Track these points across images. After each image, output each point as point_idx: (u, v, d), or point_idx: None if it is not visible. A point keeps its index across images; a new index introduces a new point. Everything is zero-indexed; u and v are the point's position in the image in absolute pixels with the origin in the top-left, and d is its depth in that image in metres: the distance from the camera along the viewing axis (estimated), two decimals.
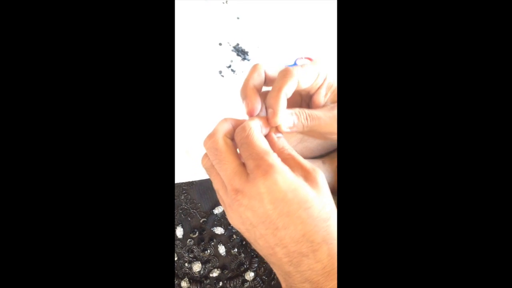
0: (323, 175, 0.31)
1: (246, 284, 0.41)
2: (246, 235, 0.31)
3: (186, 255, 0.40)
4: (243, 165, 0.31)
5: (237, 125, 0.33)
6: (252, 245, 0.32)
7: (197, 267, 0.40)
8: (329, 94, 0.36)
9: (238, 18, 0.86)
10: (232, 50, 0.79)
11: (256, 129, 0.32)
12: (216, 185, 0.32)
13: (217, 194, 0.34)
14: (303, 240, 0.28)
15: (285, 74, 0.33)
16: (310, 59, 0.82)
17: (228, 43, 0.80)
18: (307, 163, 0.31)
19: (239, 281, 0.41)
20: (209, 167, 0.33)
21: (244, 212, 0.29)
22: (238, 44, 0.80)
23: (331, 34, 0.88)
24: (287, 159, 0.31)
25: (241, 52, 0.79)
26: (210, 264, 0.41)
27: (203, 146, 0.33)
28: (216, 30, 0.81)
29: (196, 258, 0.41)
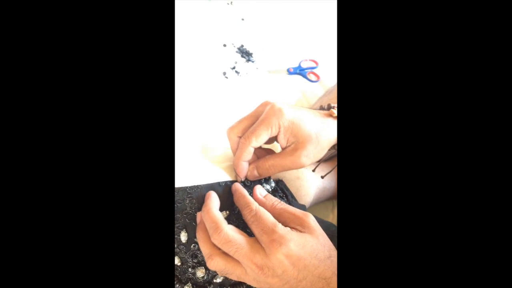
0: (313, 217, 0.36)
1: None
2: None
3: (190, 260, 0.40)
4: (254, 241, 0.35)
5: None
6: None
7: (200, 272, 0.39)
8: (288, 136, 0.41)
9: (242, 19, 0.85)
10: (237, 52, 0.78)
11: (258, 204, 0.37)
12: (237, 273, 0.35)
13: (227, 275, 0.36)
14: (319, 279, 0.34)
15: (241, 146, 0.40)
16: (314, 61, 0.81)
17: (233, 44, 0.79)
18: (298, 211, 0.37)
19: None
20: (224, 264, 0.35)
21: (271, 281, 0.34)
22: (242, 46, 0.79)
23: (336, 36, 0.87)
24: (281, 213, 0.36)
25: (245, 54, 0.78)
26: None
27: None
28: (220, 31, 0.80)
29: (200, 264, 0.40)
